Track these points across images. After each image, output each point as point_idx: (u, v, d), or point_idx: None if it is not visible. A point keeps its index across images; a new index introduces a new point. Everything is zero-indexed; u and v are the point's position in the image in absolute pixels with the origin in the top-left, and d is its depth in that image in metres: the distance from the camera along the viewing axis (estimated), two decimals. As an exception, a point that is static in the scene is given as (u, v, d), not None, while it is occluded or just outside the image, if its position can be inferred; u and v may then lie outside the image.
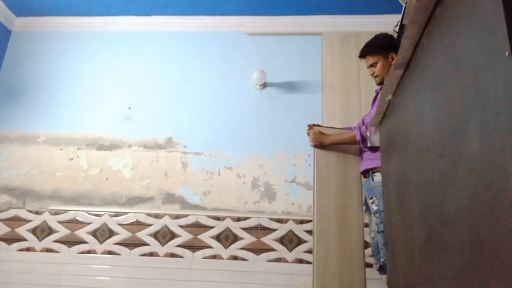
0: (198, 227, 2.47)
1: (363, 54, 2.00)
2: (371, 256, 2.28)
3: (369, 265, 2.26)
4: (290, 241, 2.38)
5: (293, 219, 2.43)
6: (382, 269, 1.82)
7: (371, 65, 1.96)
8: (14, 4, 3.02)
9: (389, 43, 1.92)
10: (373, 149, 1.88)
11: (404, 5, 1.53)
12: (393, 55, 1.89)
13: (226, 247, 2.41)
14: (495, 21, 0.63)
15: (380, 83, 1.94)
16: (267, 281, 2.31)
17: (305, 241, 2.37)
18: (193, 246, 2.42)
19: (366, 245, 2.31)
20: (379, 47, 1.94)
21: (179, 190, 2.59)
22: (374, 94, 2.07)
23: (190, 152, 2.68)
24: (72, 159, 2.73)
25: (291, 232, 2.40)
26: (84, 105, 2.86)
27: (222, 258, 2.39)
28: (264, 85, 2.78)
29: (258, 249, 2.39)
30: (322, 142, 2.02)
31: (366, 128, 1.90)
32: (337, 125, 2.59)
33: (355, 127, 2.04)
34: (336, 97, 2.71)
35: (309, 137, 2.07)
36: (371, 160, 1.89)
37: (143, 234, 2.48)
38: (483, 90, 0.68)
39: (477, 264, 0.70)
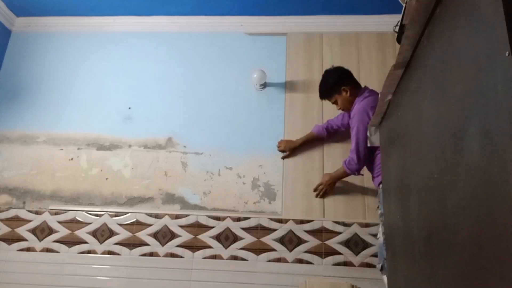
0: (198, 227, 2.47)
1: (322, 99, 2.37)
2: (372, 256, 2.29)
3: (370, 265, 2.27)
4: (290, 241, 2.38)
5: (293, 219, 2.43)
6: (383, 269, 1.85)
7: (333, 103, 2.31)
8: (14, 4, 3.01)
9: (335, 81, 2.24)
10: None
11: (404, 5, 1.53)
12: (345, 88, 2.21)
13: (226, 247, 2.41)
14: (495, 21, 0.63)
15: (349, 109, 2.26)
16: (267, 281, 2.31)
17: (305, 241, 2.37)
18: (193, 246, 2.42)
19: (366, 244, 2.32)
20: (329, 90, 2.27)
21: (179, 190, 2.59)
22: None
23: (190, 152, 2.68)
24: (72, 159, 2.72)
25: (291, 232, 2.40)
26: (84, 105, 2.86)
27: (222, 258, 2.38)
28: (264, 85, 2.78)
29: (258, 249, 2.39)
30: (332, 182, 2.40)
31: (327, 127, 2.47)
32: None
33: (318, 125, 2.51)
34: (336, 97, 2.70)
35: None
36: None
37: (143, 234, 2.48)
38: (483, 90, 0.68)
39: (477, 264, 0.70)
